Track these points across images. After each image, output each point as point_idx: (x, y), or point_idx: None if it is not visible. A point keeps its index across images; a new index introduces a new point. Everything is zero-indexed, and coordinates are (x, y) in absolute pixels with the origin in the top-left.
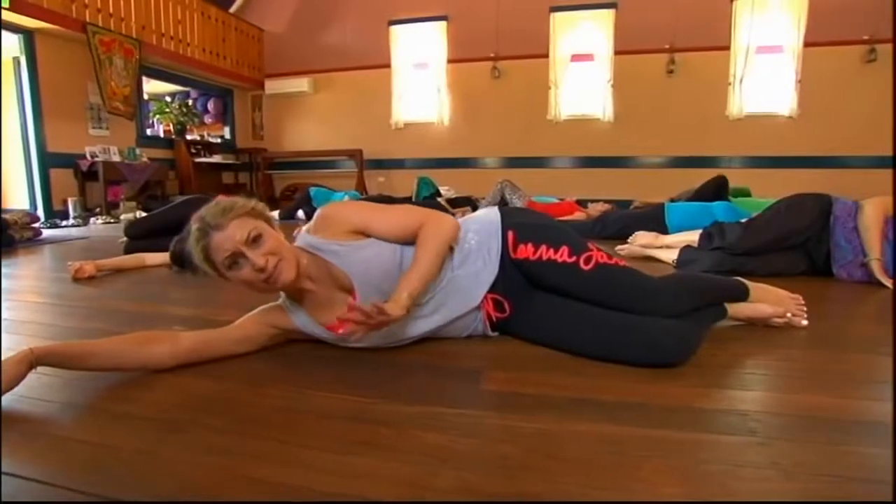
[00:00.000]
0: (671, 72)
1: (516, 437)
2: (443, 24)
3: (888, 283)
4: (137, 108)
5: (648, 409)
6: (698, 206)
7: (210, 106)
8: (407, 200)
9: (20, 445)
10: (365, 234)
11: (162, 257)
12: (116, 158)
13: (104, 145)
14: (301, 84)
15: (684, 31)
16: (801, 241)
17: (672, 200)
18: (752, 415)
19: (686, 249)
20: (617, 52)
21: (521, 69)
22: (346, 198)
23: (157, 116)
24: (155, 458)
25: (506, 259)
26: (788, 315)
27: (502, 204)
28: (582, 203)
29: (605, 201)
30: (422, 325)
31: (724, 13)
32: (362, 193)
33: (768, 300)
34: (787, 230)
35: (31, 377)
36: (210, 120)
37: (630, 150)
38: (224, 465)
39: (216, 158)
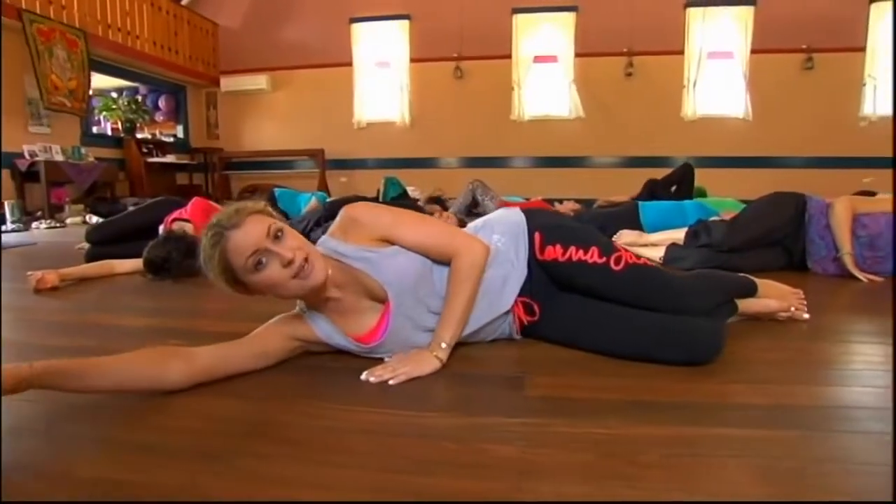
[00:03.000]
0: (630, 74)
1: (588, 443)
2: (405, 23)
3: (860, 276)
4: (89, 104)
5: (702, 407)
6: (671, 204)
7: (161, 103)
8: (374, 201)
9: (35, 493)
10: (390, 242)
11: (133, 264)
12: (59, 158)
13: (45, 143)
14: (259, 81)
15: (641, 35)
16: (779, 238)
17: (637, 198)
18: (799, 409)
19: (672, 247)
20: (578, 55)
21: (485, 69)
22: (314, 199)
23: (104, 113)
24: (207, 494)
25: (532, 261)
26: (792, 309)
27: (473, 204)
28: (551, 202)
29: (576, 200)
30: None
31: (677, 19)
32: (328, 195)
33: (773, 295)
34: (768, 227)
35: (24, 406)
36: (161, 118)
37: (590, 150)
38: (289, 498)
39: (169, 158)
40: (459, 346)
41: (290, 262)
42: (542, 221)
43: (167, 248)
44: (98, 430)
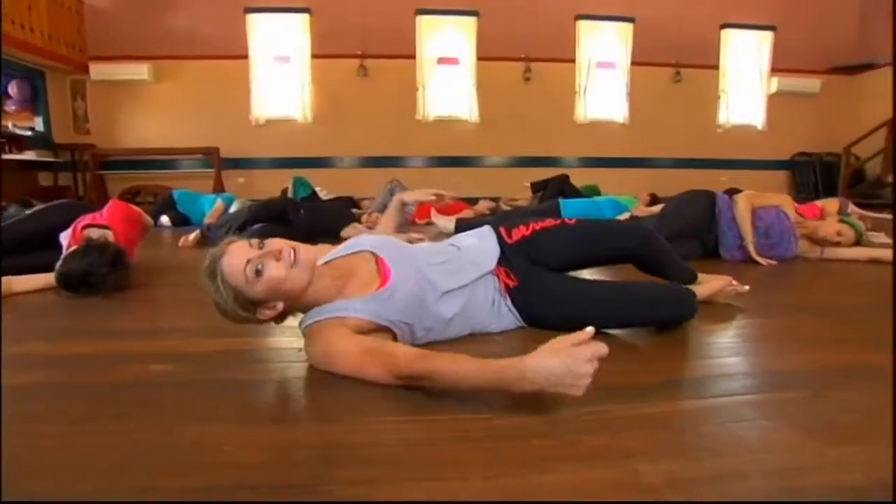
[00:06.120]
0: (528, 79)
1: (657, 423)
2: (305, 16)
3: (761, 260)
4: None
5: (718, 379)
6: (588, 201)
7: (12, 89)
8: (292, 203)
9: None
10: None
11: (38, 280)
12: None
13: None
14: (139, 70)
15: (538, 42)
16: (697, 230)
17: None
18: (793, 374)
19: None
20: (480, 58)
21: (389, 69)
22: (219, 200)
23: None
24: None
25: (504, 247)
26: (734, 283)
27: None
28: (467, 201)
29: (492, 199)
30: (452, 304)
31: (570, 30)
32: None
33: (710, 278)
34: (690, 219)
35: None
36: (13, 107)
37: (491, 150)
38: None
39: (29, 155)
40: (476, 345)
41: (280, 253)
42: (503, 220)
43: (88, 259)
44: (143, 479)
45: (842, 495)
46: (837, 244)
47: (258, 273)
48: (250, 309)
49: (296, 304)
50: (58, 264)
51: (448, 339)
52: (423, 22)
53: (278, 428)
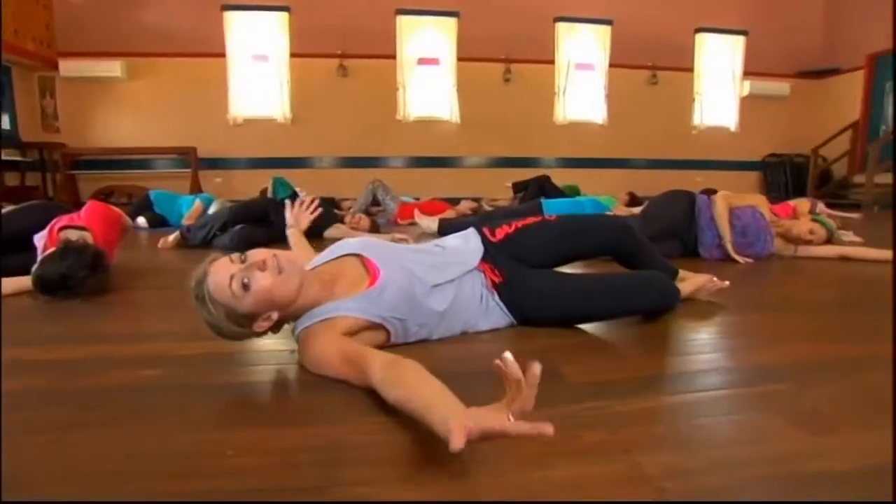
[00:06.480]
0: (508, 80)
1: (650, 417)
2: (284, 15)
3: (739, 258)
4: None
5: (702, 374)
6: (570, 201)
7: None
8: (273, 203)
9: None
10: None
11: (13, 284)
12: None
13: None
14: (111, 68)
15: (518, 44)
16: (678, 229)
17: (525, 196)
18: (774, 367)
19: None
20: (460, 59)
21: (369, 69)
22: (197, 201)
23: None
24: None
25: (488, 246)
26: (715, 279)
27: (373, 204)
28: (449, 201)
29: (474, 199)
30: (442, 297)
31: (549, 31)
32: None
33: (691, 276)
34: (671, 219)
35: None
36: None
37: (471, 151)
38: None
39: None
40: (467, 344)
41: (264, 263)
42: (486, 221)
43: (66, 261)
44: (143, 485)
45: (835, 481)
46: (810, 242)
47: (245, 287)
48: (245, 324)
49: (289, 311)
50: (34, 267)
51: (440, 337)
52: (404, 22)
53: (277, 430)
